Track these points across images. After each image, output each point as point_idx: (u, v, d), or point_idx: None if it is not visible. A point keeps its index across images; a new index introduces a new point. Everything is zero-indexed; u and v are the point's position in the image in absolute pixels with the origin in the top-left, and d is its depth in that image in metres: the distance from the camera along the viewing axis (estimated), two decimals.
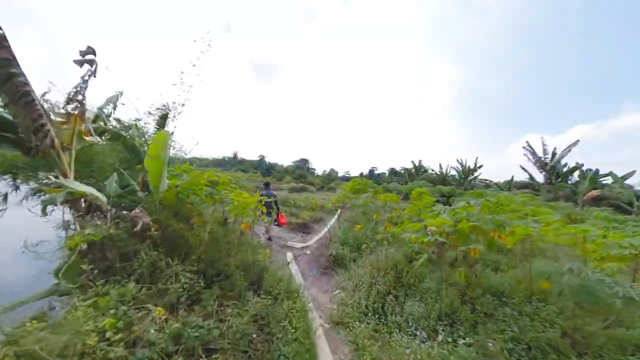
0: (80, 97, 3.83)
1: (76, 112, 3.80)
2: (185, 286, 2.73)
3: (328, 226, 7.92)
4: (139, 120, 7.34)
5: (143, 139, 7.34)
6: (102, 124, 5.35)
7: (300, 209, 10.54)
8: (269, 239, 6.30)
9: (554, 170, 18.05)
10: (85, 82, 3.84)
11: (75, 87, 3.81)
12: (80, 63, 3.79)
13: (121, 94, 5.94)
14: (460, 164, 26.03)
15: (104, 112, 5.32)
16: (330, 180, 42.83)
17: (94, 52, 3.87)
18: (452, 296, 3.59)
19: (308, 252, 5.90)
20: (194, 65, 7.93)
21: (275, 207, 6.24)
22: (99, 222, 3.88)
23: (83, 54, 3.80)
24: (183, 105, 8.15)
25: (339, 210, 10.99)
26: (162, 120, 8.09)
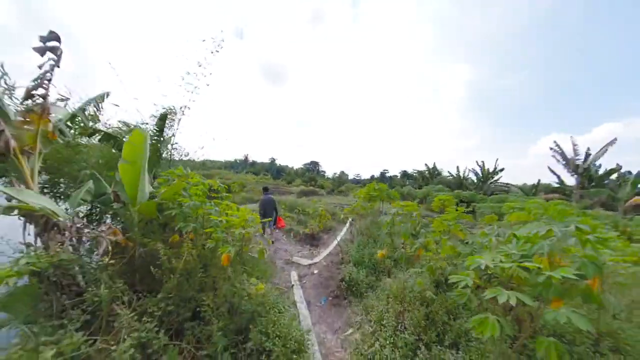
0: (41, 92, 3.20)
1: (38, 110, 3.17)
2: (138, 342, 1.96)
3: (339, 238, 7.05)
4: (146, 123, 6.95)
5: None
6: (82, 123, 4.76)
7: (308, 217, 9.71)
8: (272, 241, 6.61)
9: (587, 172, 16.38)
10: (46, 73, 3.20)
11: (35, 80, 3.19)
12: (41, 51, 3.15)
13: (107, 94, 5.35)
14: (480, 166, 24.49)
15: (83, 111, 4.71)
16: (340, 183, 41.81)
17: (57, 39, 3.23)
18: (502, 345, 2.68)
19: (315, 271, 5.05)
20: (200, 65, 7.34)
21: (274, 211, 6.62)
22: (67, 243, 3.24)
23: (44, 39, 3.17)
24: (188, 107, 7.64)
25: (350, 219, 10.10)
26: (161, 121, 7.47)
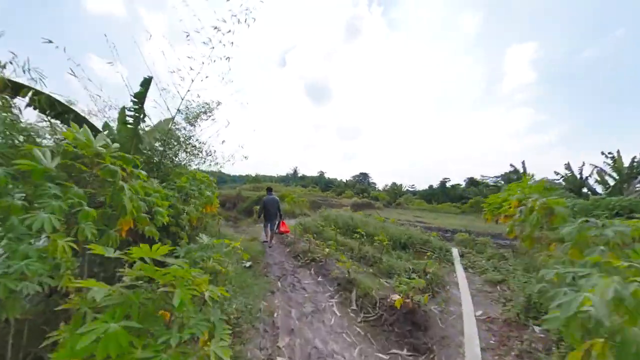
0: None
1: None
2: None
3: (471, 318, 2.61)
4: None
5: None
6: None
7: (378, 248, 5.36)
8: (269, 246, 5.66)
9: None
10: None
11: None
12: None
13: None
14: (611, 157, 16.40)
15: None
16: (395, 194, 35.76)
17: None
18: None
19: None
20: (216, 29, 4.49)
21: (278, 213, 5.81)
22: None
23: None
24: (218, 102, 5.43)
25: (458, 251, 5.32)
26: (143, 88, 4.47)
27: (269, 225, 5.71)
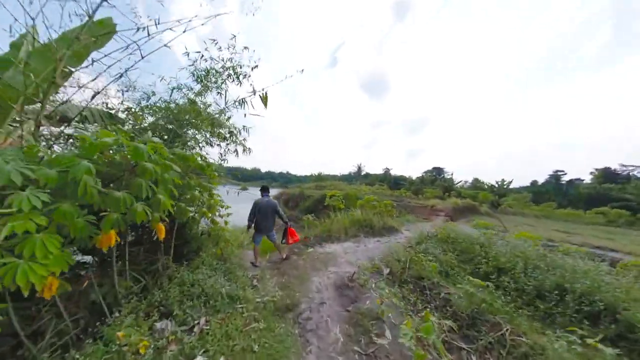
0: None
1: None
2: None
3: None
4: None
5: None
6: None
7: None
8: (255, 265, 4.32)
9: None
10: None
11: None
12: None
13: None
14: None
15: None
16: (493, 192, 27.46)
17: None
18: None
19: None
20: None
21: (274, 222, 4.41)
22: None
23: None
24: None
25: None
26: None
27: (260, 239, 4.41)
